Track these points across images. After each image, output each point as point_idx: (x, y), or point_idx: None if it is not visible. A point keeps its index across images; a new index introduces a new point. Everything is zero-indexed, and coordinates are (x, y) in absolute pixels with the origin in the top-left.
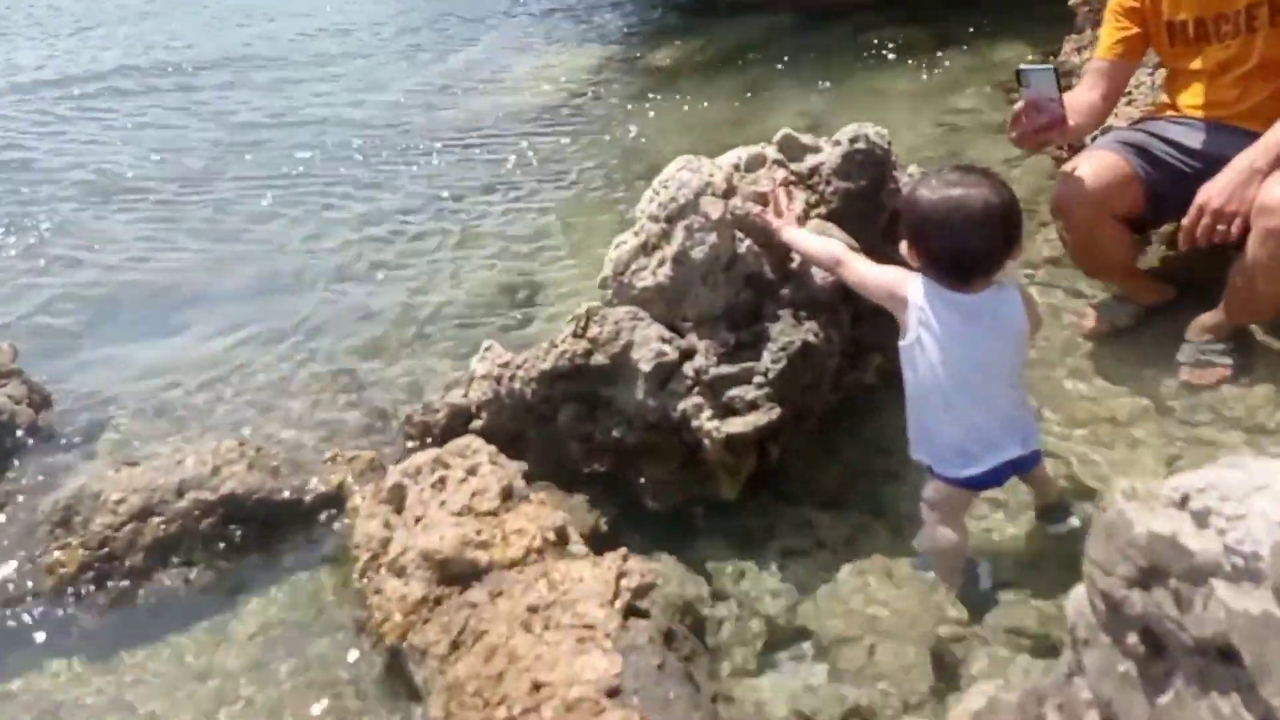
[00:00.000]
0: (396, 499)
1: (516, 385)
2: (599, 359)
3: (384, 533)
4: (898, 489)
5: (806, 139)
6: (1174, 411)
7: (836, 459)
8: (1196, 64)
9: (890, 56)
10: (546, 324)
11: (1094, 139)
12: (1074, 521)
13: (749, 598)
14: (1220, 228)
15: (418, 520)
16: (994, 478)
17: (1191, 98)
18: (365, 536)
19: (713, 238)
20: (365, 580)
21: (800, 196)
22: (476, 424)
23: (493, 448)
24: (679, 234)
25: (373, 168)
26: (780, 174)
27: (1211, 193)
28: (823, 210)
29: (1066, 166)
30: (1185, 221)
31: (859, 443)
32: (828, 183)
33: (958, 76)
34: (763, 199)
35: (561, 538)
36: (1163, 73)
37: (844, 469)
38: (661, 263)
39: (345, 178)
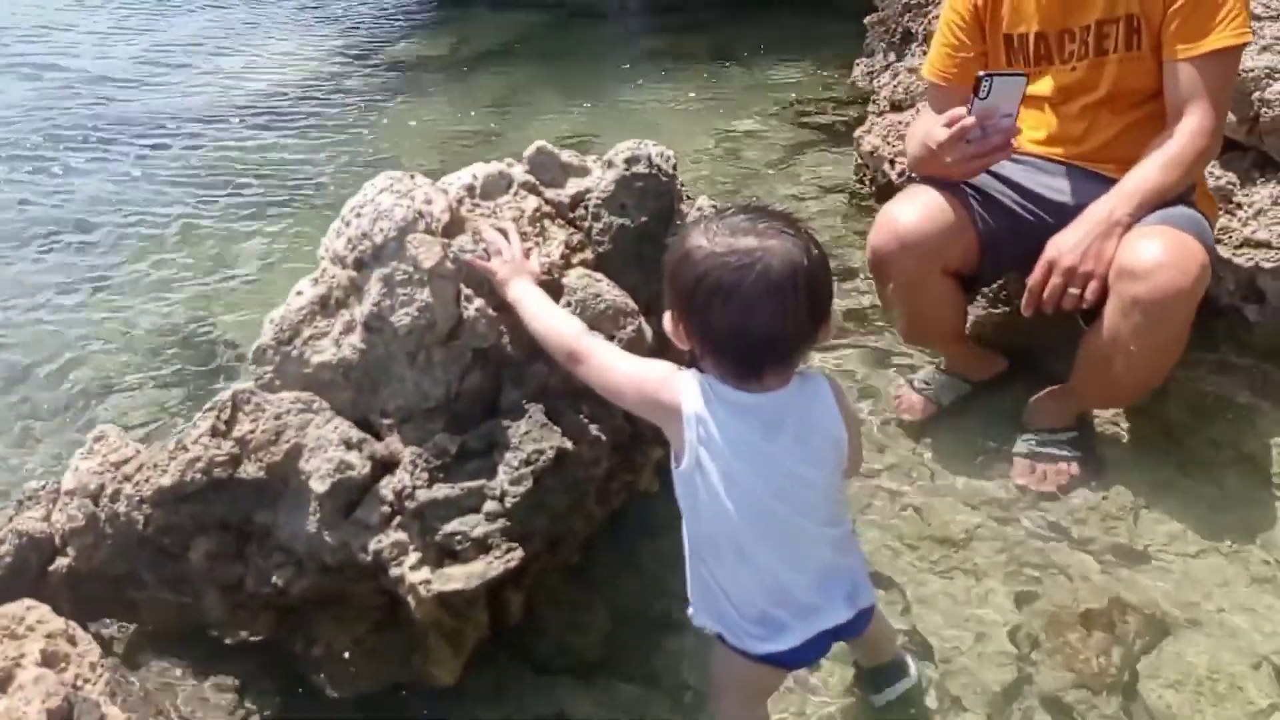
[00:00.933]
0: None
1: (122, 507)
2: (250, 470)
3: None
4: (683, 642)
5: (569, 156)
6: (1020, 523)
7: (602, 602)
8: (1038, 88)
9: (666, 68)
10: (226, 381)
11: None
12: (908, 681)
13: None
14: (1073, 290)
15: None
16: (810, 652)
17: (1033, 130)
18: None
19: (424, 295)
20: None
21: (557, 236)
22: (62, 563)
23: (60, 622)
24: (375, 287)
25: (34, 162)
26: (531, 203)
27: (1062, 248)
28: (589, 255)
29: (888, 207)
30: (1031, 281)
31: (633, 576)
32: (596, 217)
33: (738, 95)
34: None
35: None
36: None
37: (613, 616)
38: (349, 328)
39: None
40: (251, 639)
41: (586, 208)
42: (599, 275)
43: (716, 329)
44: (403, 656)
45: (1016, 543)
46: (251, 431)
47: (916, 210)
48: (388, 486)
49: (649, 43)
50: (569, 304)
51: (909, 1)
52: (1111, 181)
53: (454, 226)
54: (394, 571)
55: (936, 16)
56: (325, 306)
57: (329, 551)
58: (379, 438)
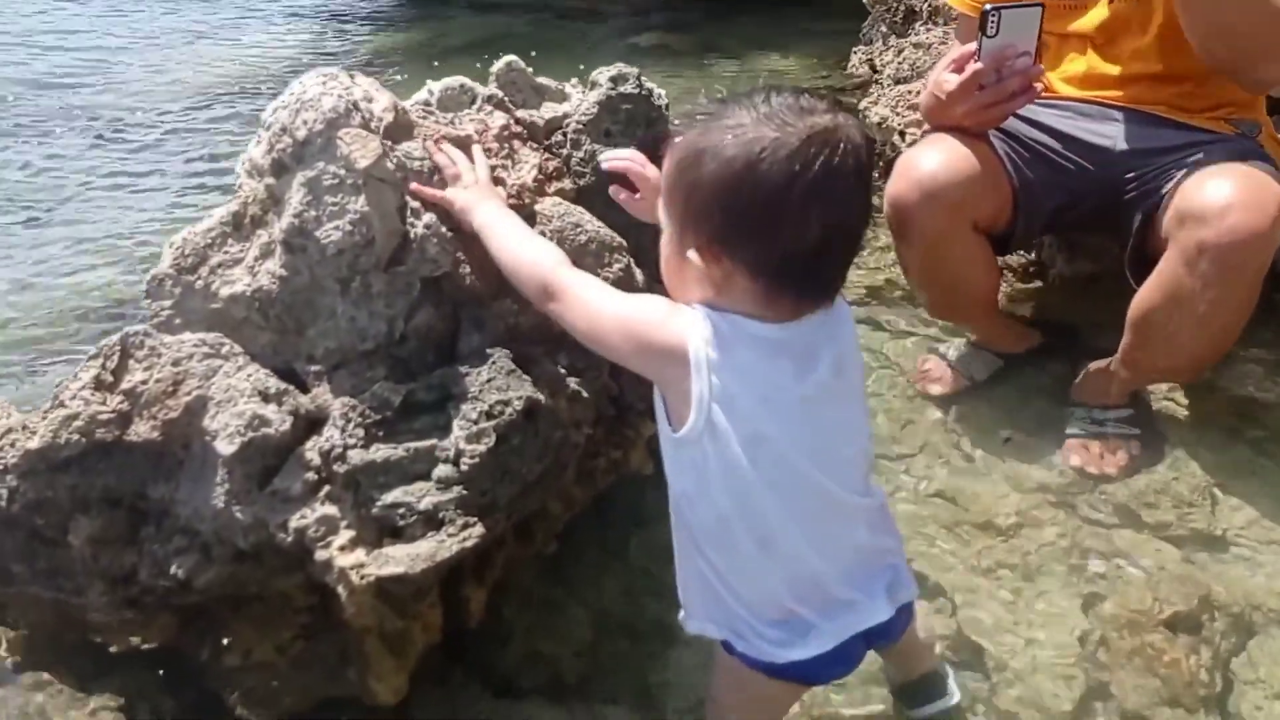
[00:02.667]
0: None
1: None
2: (143, 430)
3: None
4: (679, 655)
5: (544, 80)
6: (1076, 509)
7: (582, 605)
8: (1080, 24)
9: (651, 61)
10: None
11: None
12: (951, 700)
13: None
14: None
15: None
16: (839, 662)
17: (1072, 71)
18: None
19: (359, 204)
20: None
21: (529, 160)
22: None
23: None
24: (297, 195)
25: None
26: (498, 119)
27: None
28: (566, 185)
29: (909, 154)
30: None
31: (620, 573)
32: (576, 144)
33: (729, 86)
34: (460, 150)
35: None
36: None
37: (595, 622)
38: (267, 252)
39: None
40: (146, 646)
41: (565, 134)
42: (577, 209)
43: (794, 243)
44: (334, 668)
45: (1075, 529)
46: (144, 382)
47: (942, 156)
48: (314, 448)
49: (634, 39)
50: (542, 234)
51: None
52: (1168, 122)
53: (399, 131)
54: (320, 554)
55: None
56: (239, 227)
57: (241, 532)
58: (304, 389)
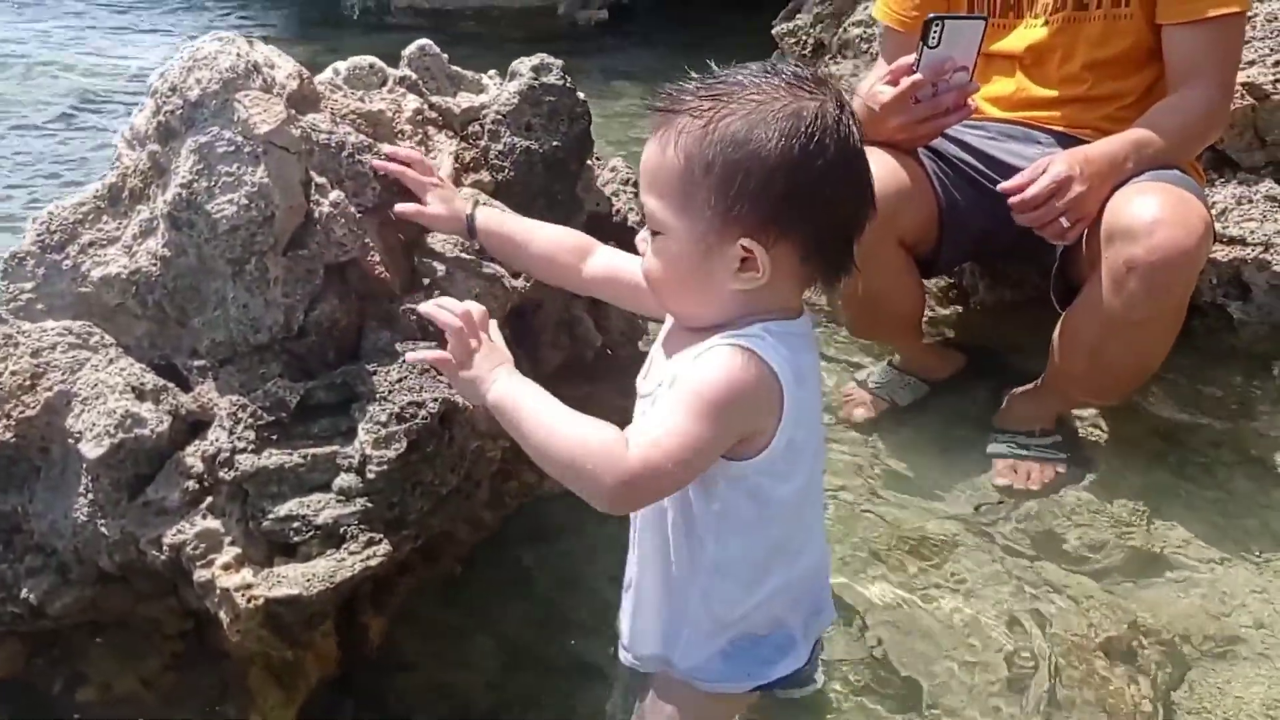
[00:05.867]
0: None
1: None
2: None
3: None
4: (594, 689)
5: (460, 69)
6: (1005, 533)
7: (488, 635)
8: (1007, 44)
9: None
10: None
11: None
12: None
13: None
14: (1057, 205)
15: None
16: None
17: (999, 93)
18: None
19: (257, 175)
20: None
21: (447, 146)
22: None
23: None
24: (186, 163)
25: None
26: (411, 103)
27: (1057, 160)
28: (485, 178)
29: None
30: (1014, 180)
31: (526, 600)
32: (495, 136)
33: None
34: (379, 129)
35: None
36: None
37: (501, 653)
38: (148, 229)
39: None
40: None
41: (483, 125)
42: (498, 205)
43: (846, 212)
44: (211, 703)
45: (1004, 553)
46: None
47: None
48: (196, 453)
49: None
50: None
51: (820, 12)
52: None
53: (304, 102)
54: (200, 574)
55: (853, 24)
56: (116, 201)
57: (106, 549)
58: (186, 387)
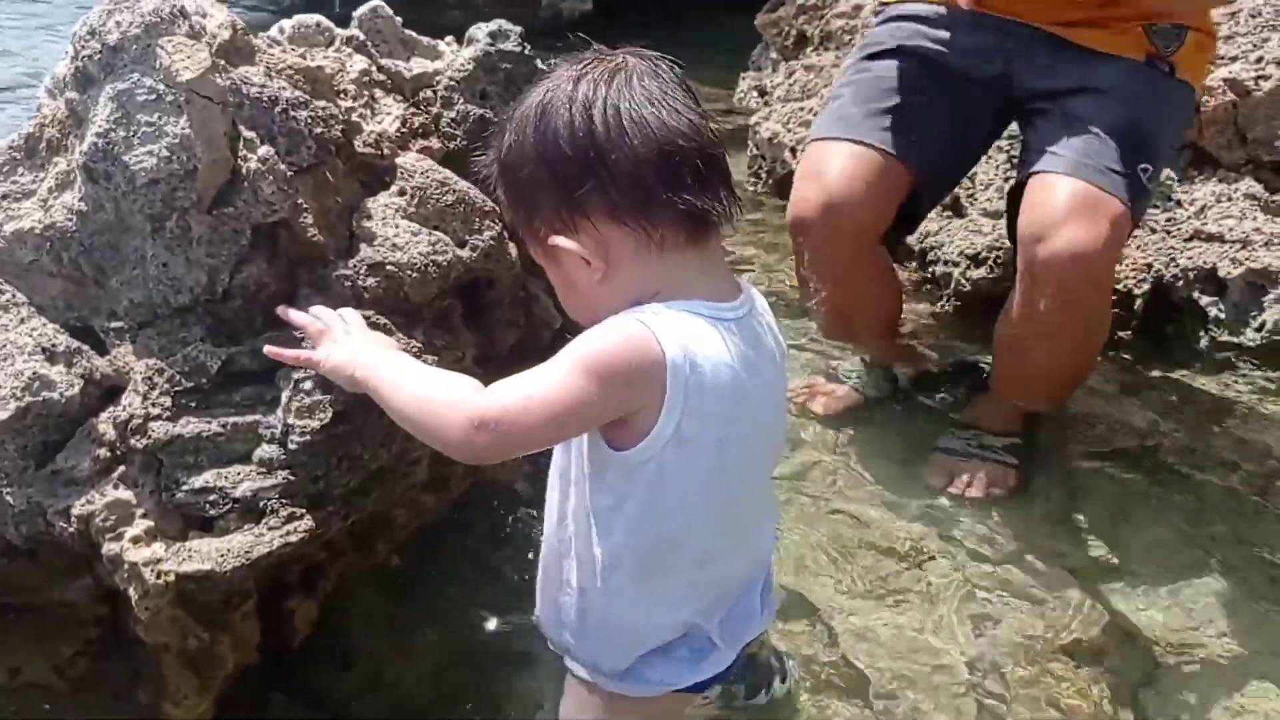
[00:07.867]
0: None
1: None
2: None
3: None
4: (541, 684)
5: (414, 34)
6: (969, 535)
7: (432, 627)
8: None
9: None
10: None
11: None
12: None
13: None
14: None
15: None
16: (733, 667)
17: None
18: None
19: (180, 125)
20: None
21: (394, 108)
22: None
23: None
24: (104, 110)
25: None
26: (358, 64)
27: None
28: (434, 144)
29: (804, 179)
30: None
31: (475, 593)
32: (447, 103)
33: None
34: (318, 85)
35: None
36: None
37: (445, 646)
38: (65, 182)
39: None
40: None
41: (435, 91)
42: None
43: (628, 158)
44: (123, 691)
45: (969, 556)
46: None
47: (842, 181)
48: (108, 419)
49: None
50: (402, 191)
51: (803, 4)
52: (1068, 47)
53: (237, 55)
54: (109, 547)
55: (835, 16)
56: (33, 153)
57: (12, 520)
58: (102, 350)
